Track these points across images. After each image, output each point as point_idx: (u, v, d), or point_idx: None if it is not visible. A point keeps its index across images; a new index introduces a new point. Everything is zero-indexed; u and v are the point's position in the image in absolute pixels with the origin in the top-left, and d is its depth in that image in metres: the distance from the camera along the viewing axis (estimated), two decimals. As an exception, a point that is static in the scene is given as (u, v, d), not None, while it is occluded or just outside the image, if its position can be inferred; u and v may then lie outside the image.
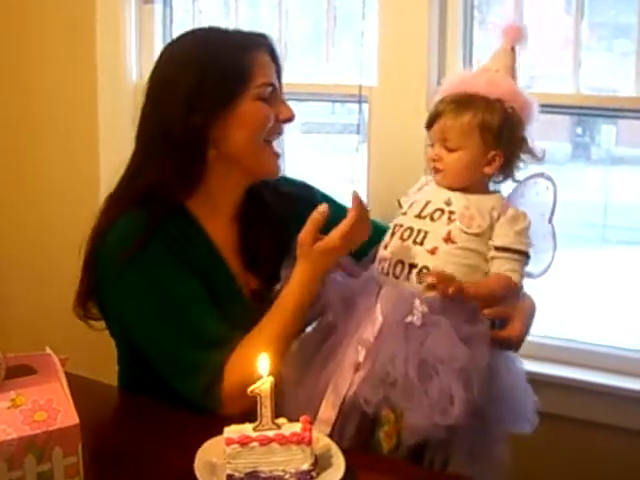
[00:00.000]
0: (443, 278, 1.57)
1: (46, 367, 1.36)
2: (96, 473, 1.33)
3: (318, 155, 3.24)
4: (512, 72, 1.73)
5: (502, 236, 1.64)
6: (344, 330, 1.66)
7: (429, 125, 1.70)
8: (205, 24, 2.76)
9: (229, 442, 1.33)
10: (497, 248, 1.63)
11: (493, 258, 1.64)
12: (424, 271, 1.61)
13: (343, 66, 2.52)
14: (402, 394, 1.54)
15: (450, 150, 1.66)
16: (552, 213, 1.73)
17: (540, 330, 2.30)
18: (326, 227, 1.67)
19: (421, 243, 1.64)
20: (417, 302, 1.58)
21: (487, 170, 1.68)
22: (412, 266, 1.63)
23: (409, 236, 1.66)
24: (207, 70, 1.69)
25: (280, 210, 1.86)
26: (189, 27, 2.74)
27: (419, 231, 1.65)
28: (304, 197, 1.90)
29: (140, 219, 1.68)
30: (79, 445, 1.28)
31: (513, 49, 1.73)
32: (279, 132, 1.80)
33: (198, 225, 1.77)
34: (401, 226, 1.69)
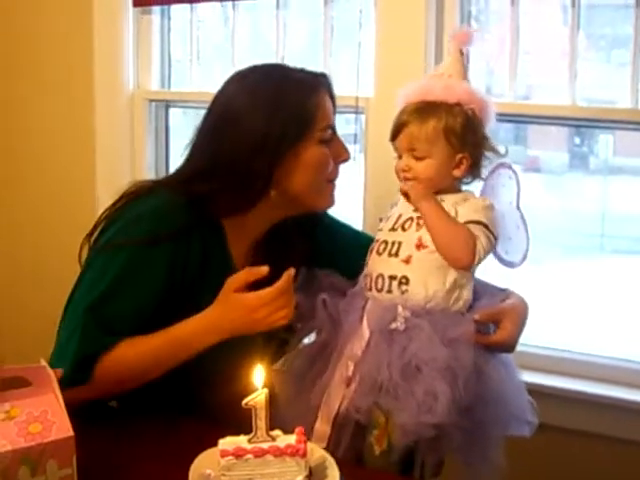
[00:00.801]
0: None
1: (41, 379, 1.36)
2: (91, 485, 1.33)
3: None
4: (464, 75, 1.74)
5: (461, 216, 1.65)
6: (335, 347, 1.68)
7: (394, 137, 1.71)
8: (203, 35, 2.81)
9: (224, 454, 1.33)
10: None
11: None
12: (403, 281, 1.63)
13: (340, 77, 2.52)
14: (389, 397, 1.56)
15: (418, 159, 1.67)
16: (518, 198, 1.75)
17: (537, 341, 2.31)
18: (343, 252, 1.83)
19: (396, 254, 1.65)
20: (400, 308, 1.61)
21: (456, 173, 1.69)
22: (392, 278, 1.65)
23: (384, 249, 1.68)
24: (275, 114, 1.69)
25: (299, 240, 1.87)
26: (187, 38, 2.78)
27: (393, 243, 1.67)
28: (322, 229, 1.92)
29: (180, 206, 1.69)
30: (74, 457, 1.28)
31: (462, 52, 1.75)
32: (337, 174, 1.81)
33: (225, 245, 1.78)
34: (377, 241, 1.72)
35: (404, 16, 2.31)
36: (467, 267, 1.65)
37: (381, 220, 1.77)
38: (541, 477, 2.30)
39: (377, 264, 1.69)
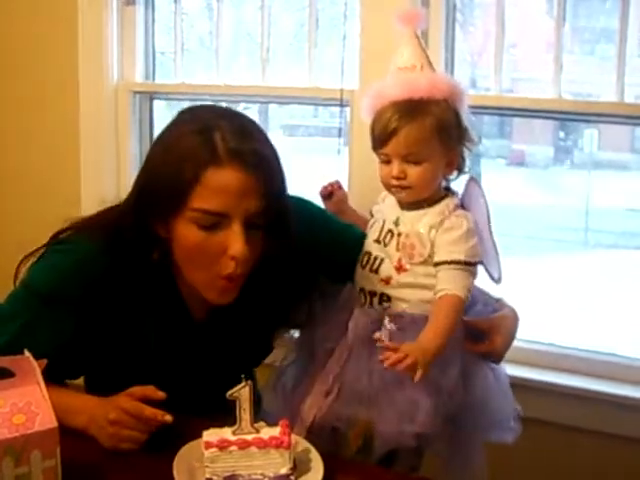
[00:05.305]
0: (397, 356, 1.46)
1: (24, 370, 1.35)
2: (75, 476, 1.33)
3: (300, 157, 3.24)
4: (430, 63, 1.67)
5: (438, 251, 1.59)
6: (320, 357, 1.66)
7: (384, 143, 1.61)
8: (187, 27, 2.79)
9: (208, 446, 1.33)
10: (436, 264, 1.59)
11: (437, 273, 1.58)
12: (384, 298, 1.61)
13: (325, 69, 2.52)
14: (370, 406, 1.55)
15: (415, 163, 1.60)
16: (489, 221, 1.68)
17: (522, 334, 2.32)
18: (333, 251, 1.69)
19: (376, 271, 1.63)
20: (386, 320, 1.59)
21: (448, 171, 1.65)
22: (372, 294, 1.63)
23: (367, 262, 1.65)
24: (153, 170, 1.53)
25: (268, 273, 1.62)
26: (171, 29, 2.76)
27: (375, 258, 1.65)
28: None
29: (96, 256, 1.56)
30: (58, 448, 1.27)
31: (417, 36, 1.67)
32: (232, 273, 1.50)
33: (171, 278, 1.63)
34: (363, 251, 1.68)
35: (388, 7, 2.30)
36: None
37: (371, 214, 1.74)
38: (525, 470, 2.30)
39: (359, 277, 1.67)
